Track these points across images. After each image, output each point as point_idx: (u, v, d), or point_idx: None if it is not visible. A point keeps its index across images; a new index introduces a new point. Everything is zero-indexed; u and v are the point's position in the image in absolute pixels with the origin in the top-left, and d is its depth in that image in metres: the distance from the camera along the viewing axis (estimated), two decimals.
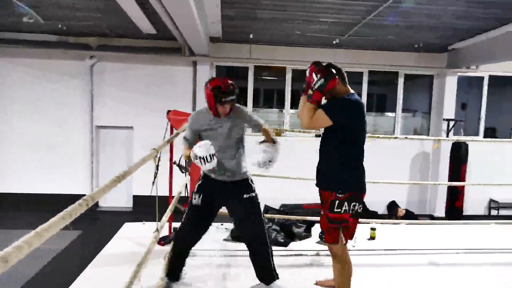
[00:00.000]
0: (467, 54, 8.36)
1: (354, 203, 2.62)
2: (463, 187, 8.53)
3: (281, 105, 9.53)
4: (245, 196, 2.97)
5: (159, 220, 2.60)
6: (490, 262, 3.93)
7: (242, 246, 4.17)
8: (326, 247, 3.45)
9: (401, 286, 3.42)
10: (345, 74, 2.72)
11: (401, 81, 9.36)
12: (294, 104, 9.18)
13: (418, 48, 8.79)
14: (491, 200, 9.43)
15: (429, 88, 9.59)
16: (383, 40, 8.30)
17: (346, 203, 2.59)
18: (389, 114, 9.81)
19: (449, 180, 8.66)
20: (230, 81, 2.86)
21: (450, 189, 8.74)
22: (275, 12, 6.58)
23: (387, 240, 4.37)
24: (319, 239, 4.26)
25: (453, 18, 6.77)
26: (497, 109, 9.89)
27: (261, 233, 3.01)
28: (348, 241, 2.70)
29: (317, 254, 3.93)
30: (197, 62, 8.72)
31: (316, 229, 4.43)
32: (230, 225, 4.55)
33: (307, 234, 4.36)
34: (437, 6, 6.13)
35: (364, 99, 9.36)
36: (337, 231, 2.65)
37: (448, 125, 9.01)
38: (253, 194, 3.01)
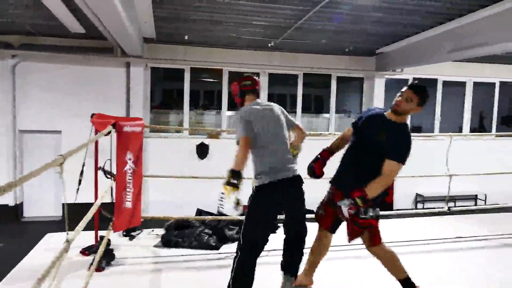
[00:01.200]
0: (392, 58, 8.88)
1: None
2: (393, 182, 9.00)
3: (219, 107, 9.50)
4: None
5: (71, 229, 2.46)
6: (425, 250, 4.18)
7: (174, 251, 4.14)
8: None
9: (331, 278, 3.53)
10: None
11: (334, 83, 9.72)
12: (232, 106, 9.23)
13: (348, 52, 9.19)
14: (417, 195, 10.08)
15: (360, 90, 10.05)
16: (317, 44, 8.57)
17: None
18: (326, 115, 10.14)
19: None
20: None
21: None
22: (207, 14, 6.55)
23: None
24: None
25: (379, 25, 7.15)
26: (424, 109, 10.60)
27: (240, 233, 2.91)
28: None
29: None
30: (130, 63, 8.45)
31: None
32: (161, 231, 4.46)
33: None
34: (363, 12, 6.43)
35: (299, 101, 9.62)
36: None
37: None
38: (250, 197, 2.90)
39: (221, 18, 6.83)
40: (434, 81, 10.25)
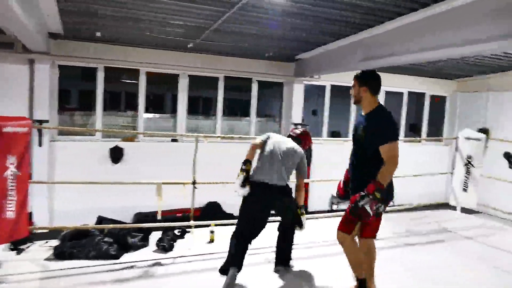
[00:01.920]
0: (310, 64, 9.13)
1: None
2: (307, 185, 9.26)
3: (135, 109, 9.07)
4: None
5: None
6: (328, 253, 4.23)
7: (67, 264, 3.78)
8: (164, 256, 3.37)
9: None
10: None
11: (255, 87, 9.76)
12: (151, 108, 8.89)
13: (269, 57, 9.29)
14: (333, 196, 10.45)
15: (281, 95, 10.20)
16: (238, 47, 8.53)
17: None
18: (248, 119, 10.13)
19: None
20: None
21: None
22: (117, 10, 6.19)
23: (227, 242, 4.38)
24: (156, 247, 4.07)
25: (298, 31, 7.29)
26: (342, 115, 11.03)
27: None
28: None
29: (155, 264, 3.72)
30: (35, 60, 7.74)
31: (154, 237, 4.24)
32: (55, 242, 4.06)
33: (144, 243, 4.13)
34: (284, 17, 6.50)
35: (220, 104, 9.52)
36: None
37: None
38: None
39: (135, 15, 6.49)
40: (349, 88, 10.72)
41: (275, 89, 10.31)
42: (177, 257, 3.89)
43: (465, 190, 5.24)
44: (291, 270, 3.86)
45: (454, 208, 5.62)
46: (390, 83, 11.11)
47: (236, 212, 9.03)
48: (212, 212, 8.98)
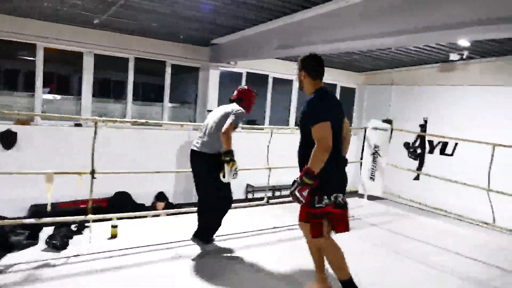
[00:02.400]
0: (226, 50, 8.90)
1: None
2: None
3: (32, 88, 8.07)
4: None
5: None
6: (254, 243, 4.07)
7: None
8: (55, 255, 2.96)
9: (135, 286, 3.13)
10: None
11: (168, 71, 9.28)
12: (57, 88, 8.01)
13: (184, 40, 8.87)
14: (248, 185, 10.46)
15: (196, 80, 9.85)
16: (148, 27, 7.99)
17: None
18: (160, 104, 9.61)
19: None
20: None
21: None
22: None
23: (132, 237, 4.03)
24: (46, 246, 3.58)
25: (213, 14, 7.01)
26: (259, 103, 10.99)
27: None
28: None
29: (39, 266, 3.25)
30: None
31: (45, 233, 3.74)
32: None
33: (32, 241, 3.61)
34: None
35: (130, 88, 8.90)
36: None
37: None
38: None
39: None
40: (266, 77, 10.76)
41: (192, 75, 9.92)
42: (70, 256, 3.45)
43: (372, 178, 5.47)
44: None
45: (362, 196, 5.86)
46: None
47: (148, 203, 8.69)
48: (120, 203, 8.42)
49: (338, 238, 2.74)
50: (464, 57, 9.14)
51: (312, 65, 2.95)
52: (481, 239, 4.85)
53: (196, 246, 3.92)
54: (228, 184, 3.80)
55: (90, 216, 3.75)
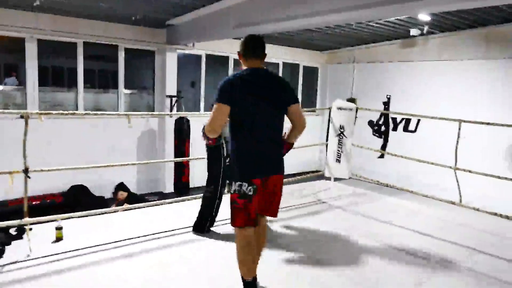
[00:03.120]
0: (182, 31, 8.45)
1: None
2: (188, 162, 8.77)
3: None
4: None
5: None
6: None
7: None
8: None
9: None
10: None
11: (121, 55, 8.73)
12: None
13: (137, 21, 8.32)
14: None
15: (152, 64, 9.34)
16: (96, 8, 7.42)
17: None
18: (115, 91, 9.06)
19: (175, 155, 8.76)
20: None
21: (176, 165, 8.85)
22: None
23: (81, 238, 3.67)
24: None
25: None
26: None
27: None
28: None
29: None
30: None
31: None
32: None
33: None
34: None
35: (80, 74, 8.30)
36: None
37: (171, 102, 9.03)
38: None
39: None
40: (226, 58, 10.38)
41: (149, 59, 9.39)
42: (7, 264, 3.08)
43: (338, 161, 5.30)
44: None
45: (329, 178, 5.70)
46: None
47: (108, 194, 8.24)
48: (77, 197, 7.95)
49: (299, 222, 2.52)
50: (424, 32, 9.11)
51: (244, 45, 2.76)
52: (449, 219, 4.80)
53: (149, 243, 3.66)
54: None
55: (27, 220, 3.35)
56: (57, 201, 7.67)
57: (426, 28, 8.96)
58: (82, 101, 8.35)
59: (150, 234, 3.87)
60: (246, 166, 2.62)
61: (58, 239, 3.55)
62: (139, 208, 4.65)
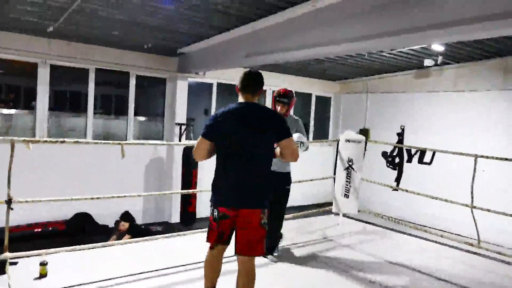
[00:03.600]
0: (193, 59, 8.45)
1: None
2: (195, 195, 8.58)
3: None
4: None
5: None
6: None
7: None
8: None
9: None
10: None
11: (132, 82, 8.75)
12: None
13: (148, 49, 8.37)
14: None
15: (163, 92, 9.33)
16: (109, 35, 7.48)
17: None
18: (122, 117, 9.02)
19: (182, 184, 8.59)
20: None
21: (183, 195, 8.65)
22: None
23: (66, 274, 3.45)
24: None
25: (176, 21, 6.59)
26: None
27: None
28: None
29: None
30: None
31: None
32: None
33: None
34: (161, 6, 5.75)
35: (91, 100, 8.31)
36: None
37: (180, 129, 8.95)
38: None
39: None
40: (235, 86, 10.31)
41: (160, 87, 9.39)
42: None
43: (346, 196, 5.04)
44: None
45: (338, 214, 5.43)
46: (277, 82, 11.00)
47: (111, 224, 8.06)
48: (80, 225, 7.79)
49: (304, 262, 2.26)
50: (438, 62, 8.94)
51: (239, 79, 2.90)
52: (466, 262, 4.46)
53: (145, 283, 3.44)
54: None
55: (6, 255, 3.17)
56: (59, 228, 7.52)
57: (440, 59, 8.79)
58: (91, 127, 8.33)
59: (147, 272, 3.64)
60: (215, 194, 2.83)
61: (42, 275, 3.34)
62: (135, 242, 4.43)
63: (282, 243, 4.45)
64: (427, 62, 9.01)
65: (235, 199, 2.73)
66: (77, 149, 7.91)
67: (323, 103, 12.39)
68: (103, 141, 7.59)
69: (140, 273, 3.59)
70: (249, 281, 2.77)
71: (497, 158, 4.65)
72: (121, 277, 3.48)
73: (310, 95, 11.93)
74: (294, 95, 4.35)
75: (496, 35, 5.80)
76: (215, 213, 2.77)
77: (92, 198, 4.22)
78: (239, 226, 2.73)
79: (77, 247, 3.76)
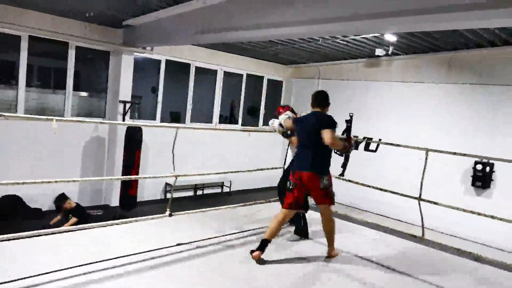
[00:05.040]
0: (140, 33, 7.90)
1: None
2: (137, 173, 8.14)
3: None
4: None
5: None
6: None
7: None
8: None
9: None
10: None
11: (72, 54, 8.03)
12: None
13: (91, 18, 7.69)
14: (167, 184, 9.57)
15: (106, 66, 8.68)
16: (45, 1, 6.76)
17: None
18: (61, 91, 8.28)
19: (123, 166, 8.11)
20: None
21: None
22: None
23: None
24: None
25: None
26: (182, 96, 10.03)
27: None
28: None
29: None
30: None
31: None
32: None
33: None
34: None
35: (23, 71, 7.53)
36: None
37: (124, 108, 8.41)
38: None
39: None
40: (188, 65, 9.88)
41: (104, 60, 8.70)
42: None
43: None
44: None
45: None
46: (229, 63, 10.69)
47: (44, 207, 7.45)
48: (9, 208, 7.13)
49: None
50: (389, 53, 9.05)
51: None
52: (410, 253, 4.53)
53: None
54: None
55: None
56: None
57: (391, 49, 8.91)
58: (23, 100, 7.58)
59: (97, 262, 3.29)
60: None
61: None
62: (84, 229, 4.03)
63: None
64: (378, 51, 9.10)
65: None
66: (5, 125, 7.17)
67: (275, 86, 12.25)
68: (33, 116, 6.92)
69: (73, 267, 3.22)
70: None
71: (447, 152, 4.73)
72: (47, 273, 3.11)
73: (262, 77, 11.73)
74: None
75: (443, 28, 5.91)
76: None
77: (22, 183, 3.74)
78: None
79: (11, 235, 3.33)
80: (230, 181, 10.69)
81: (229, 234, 4.42)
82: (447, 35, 7.79)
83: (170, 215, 4.42)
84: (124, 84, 8.44)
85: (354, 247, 4.40)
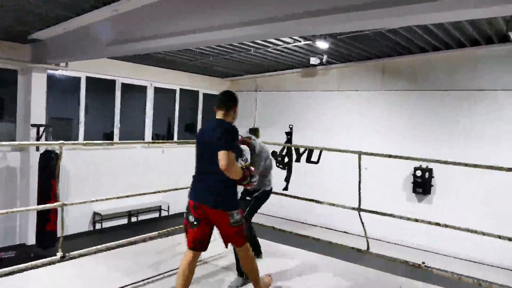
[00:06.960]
0: (51, 47, 7.06)
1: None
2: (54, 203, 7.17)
3: None
4: None
5: None
6: None
7: None
8: None
9: None
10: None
11: None
12: None
13: None
14: (95, 213, 8.65)
15: (15, 86, 7.69)
16: None
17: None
18: None
19: (39, 196, 7.13)
20: None
21: (40, 210, 7.19)
22: None
23: None
24: None
25: None
26: (110, 114, 9.21)
27: None
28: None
29: None
30: None
31: None
32: None
33: None
34: None
35: None
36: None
37: (38, 132, 7.46)
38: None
39: None
40: (113, 82, 9.10)
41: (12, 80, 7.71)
42: None
43: None
44: None
45: None
46: (160, 78, 10.04)
47: None
48: None
49: None
50: (324, 61, 8.83)
51: None
52: (353, 272, 4.09)
53: None
54: None
55: None
56: None
57: (325, 57, 8.69)
58: None
59: None
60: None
61: None
62: None
63: None
64: (313, 60, 8.86)
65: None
66: None
67: (214, 101, 11.70)
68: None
69: None
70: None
71: (380, 155, 4.41)
72: None
73: (197, 92, 11.15)
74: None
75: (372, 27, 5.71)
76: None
77: None
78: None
79: None
80: (168, 205, 9.91)
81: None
82: (380, 43, 7.68)
83: (63, 257, 3.62)
84: (36, 105, 7.50)
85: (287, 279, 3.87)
